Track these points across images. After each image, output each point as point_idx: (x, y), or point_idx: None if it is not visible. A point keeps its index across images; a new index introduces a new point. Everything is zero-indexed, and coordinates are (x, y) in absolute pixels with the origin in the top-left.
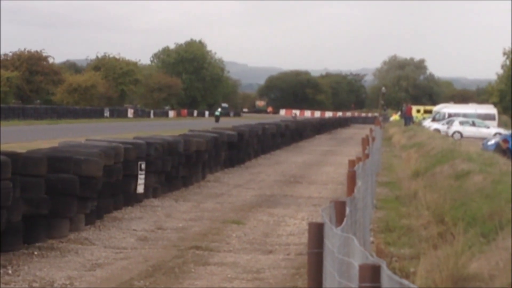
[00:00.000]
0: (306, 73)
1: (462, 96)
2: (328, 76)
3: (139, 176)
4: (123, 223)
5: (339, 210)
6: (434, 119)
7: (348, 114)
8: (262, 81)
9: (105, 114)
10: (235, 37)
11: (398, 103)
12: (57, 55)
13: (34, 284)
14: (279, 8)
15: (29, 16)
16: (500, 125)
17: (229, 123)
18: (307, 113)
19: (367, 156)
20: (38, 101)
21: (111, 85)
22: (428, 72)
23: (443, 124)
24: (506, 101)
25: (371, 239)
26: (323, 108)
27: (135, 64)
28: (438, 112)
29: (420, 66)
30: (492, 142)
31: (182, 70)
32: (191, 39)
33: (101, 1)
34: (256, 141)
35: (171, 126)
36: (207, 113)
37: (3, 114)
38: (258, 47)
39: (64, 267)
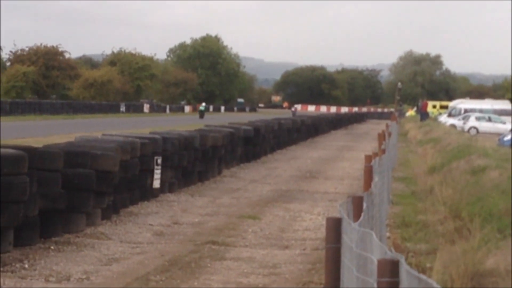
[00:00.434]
0: (322, 68)
1: (479, 91)
2: (344, 71)
3: (155, 171)
4: (139, 218)
5: (357, 205)
6: (450, 115)
7: (364, 109)
8: (278, 77)
9: (121, 109)
10: (251, 33)
11: (414, 98)
12: (73, 50)
13: (51, 278)
14: (296, 5)
15: (45, 11)
16: None
17: (244, 118)
18: (323, 109)
19: (383, 151)
20: (54, 96)
21: (127, 80)
22: (444, 67)
23: (459, 119)
24: None
25: (387, 234)
26: (339, 103)
27: (151, 59)
28: (454, 108)
29: (436, 61)
30: (508, 137)
31: (198, 65)
32: (207, 34)
33: None
34: (272, 136)
35: (185, 122)
36: (222, 108)
37: (20, 109)
38: (274, 43)
39: (80, 262)
